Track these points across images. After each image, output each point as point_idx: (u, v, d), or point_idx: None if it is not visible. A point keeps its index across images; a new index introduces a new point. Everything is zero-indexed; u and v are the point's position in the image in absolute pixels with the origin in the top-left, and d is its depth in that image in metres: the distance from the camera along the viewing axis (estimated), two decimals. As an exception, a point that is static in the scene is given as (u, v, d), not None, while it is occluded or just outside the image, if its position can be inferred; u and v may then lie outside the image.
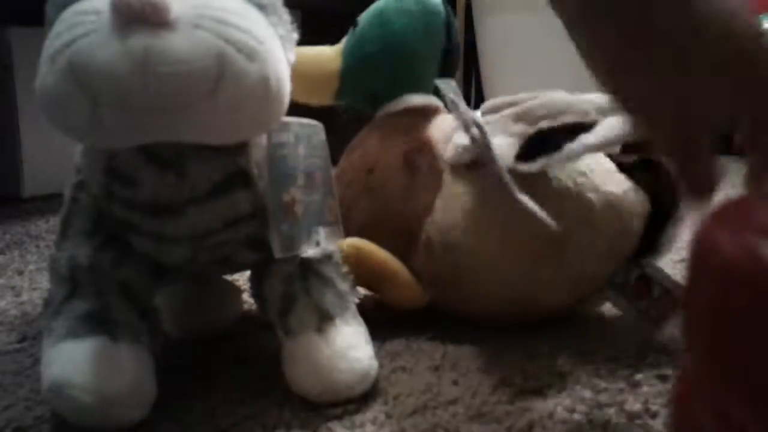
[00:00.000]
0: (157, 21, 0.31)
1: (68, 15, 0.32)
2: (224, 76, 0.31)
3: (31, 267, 0.71)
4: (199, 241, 0.39)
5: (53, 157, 1.04)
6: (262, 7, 0.36)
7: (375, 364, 0.40)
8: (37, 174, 1.13)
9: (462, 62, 2.03)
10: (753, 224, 0.15)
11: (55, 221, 0.77)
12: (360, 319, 0.42)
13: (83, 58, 0.31)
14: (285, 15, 0.38)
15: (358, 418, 0.37)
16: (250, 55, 0.32)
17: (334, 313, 0.40)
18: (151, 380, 0.37)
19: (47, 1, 0.35)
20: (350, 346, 0.39)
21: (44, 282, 0.65)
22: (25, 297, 0.61)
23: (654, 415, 0.37)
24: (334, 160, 0.47)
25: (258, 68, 0.33)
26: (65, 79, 0.31)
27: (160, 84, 0.31)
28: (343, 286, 0.42)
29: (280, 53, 0.35)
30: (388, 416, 0.37)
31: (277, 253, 0.40)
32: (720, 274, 0.14)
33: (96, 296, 0.38)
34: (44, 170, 1.12)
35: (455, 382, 0.41)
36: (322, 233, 0.43)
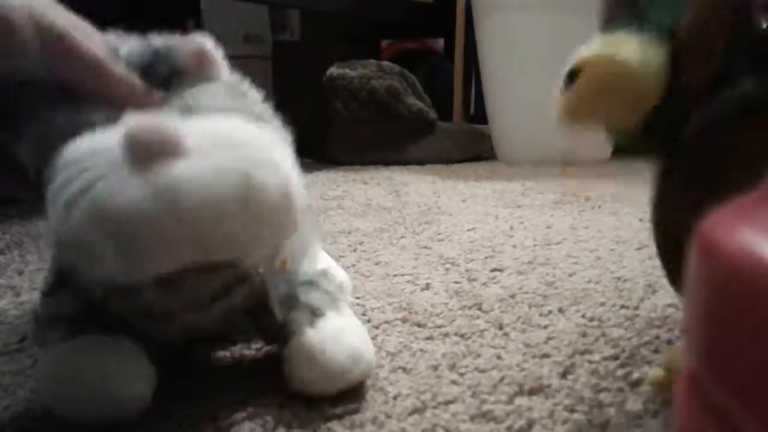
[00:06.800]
0: (174, 152, 0.30)
1: (71, 159, 0.31)
2: (250, 192, 0.31)
3: (31, 267, 0.71)
4: (192, 329, 0.40)
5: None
6: (258, 118, 0.37)
7: (370, 348, 0.40)
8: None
9: (462, 62, 2.04)
10: (753, 224, 0.15)
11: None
12: (351, 314, 0.43)
13: (106, 204, 0.29)
14: (275, 121, 0.39)
15: (358, 418, 0.37)
16: (268, 165, 0.32)
17: (324, 307, 0.41)
18: (148, 372, 0.37)
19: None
20: (342, 331, 0.40)
21: (44, 282, 0.65)
22: (25, 297, 0.61)
23: (654, 415, 0.37)
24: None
25: (277, 178, 0.32)
26: (89, 228, 0.30)
27: (193, 214, 0.30)
28: (330, 287, 0.43)
29: (289, 161, 0.35)
30: (388, 416, 0.38)
31: (280, 316, 0.40)
32: (720, 274, 0.14)
33: (84, 301, 0.38)
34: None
35: (455, 382, 0.41)
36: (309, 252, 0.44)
